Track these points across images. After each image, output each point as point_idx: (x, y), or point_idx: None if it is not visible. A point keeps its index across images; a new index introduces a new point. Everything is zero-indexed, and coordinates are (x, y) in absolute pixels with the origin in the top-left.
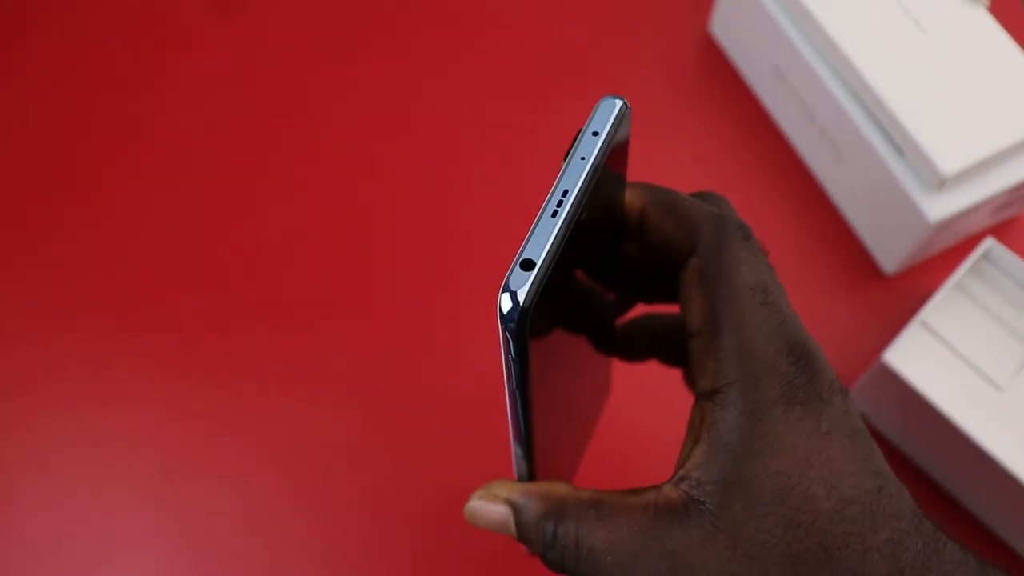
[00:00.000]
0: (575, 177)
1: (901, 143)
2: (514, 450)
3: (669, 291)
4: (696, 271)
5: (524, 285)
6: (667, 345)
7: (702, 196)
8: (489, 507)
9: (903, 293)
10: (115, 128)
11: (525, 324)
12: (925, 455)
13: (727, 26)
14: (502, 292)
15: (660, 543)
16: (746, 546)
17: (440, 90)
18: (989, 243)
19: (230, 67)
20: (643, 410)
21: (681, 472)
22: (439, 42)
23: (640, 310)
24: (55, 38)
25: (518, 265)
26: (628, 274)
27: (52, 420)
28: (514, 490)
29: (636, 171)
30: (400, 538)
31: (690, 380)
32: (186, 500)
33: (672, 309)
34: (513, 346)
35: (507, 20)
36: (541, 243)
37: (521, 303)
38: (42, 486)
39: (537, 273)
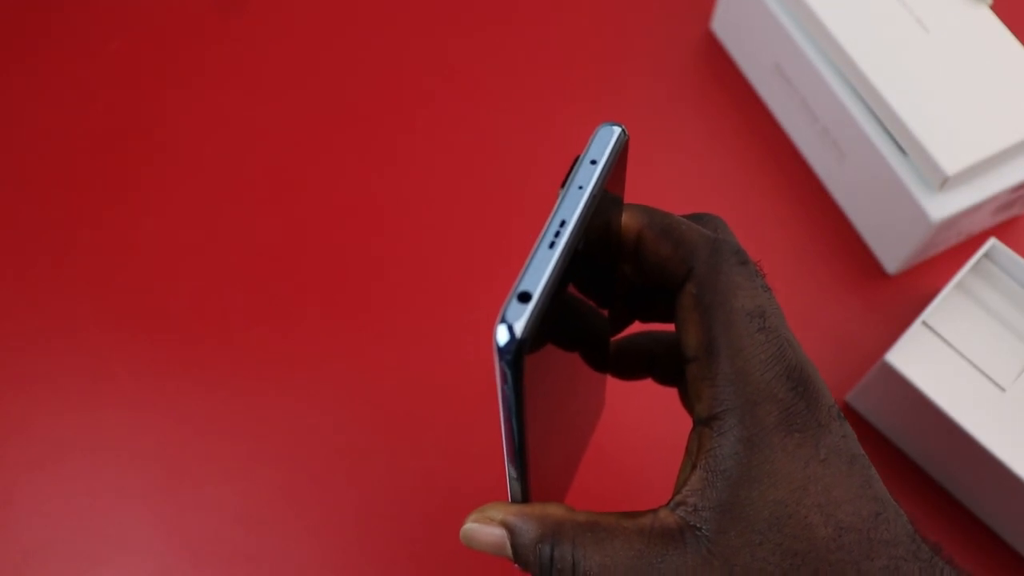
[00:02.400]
0: (572, 207)
1: (903, 142)
2: (508, 471)
3: (666, 311)
4: (692, 296)
5: (521, 318)
6: (662, 364)
7: (699, 218)
8: (485, 530)
9: (905, 293)
10: (115, 127)
11: (522, 357)
12: (927, 456)
13: (728, 24)
14: (498, 324)
15: (655, 568)
16: (741, 573)
17: (441, 89)
18: (992, 243)
19: (230, 66)
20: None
21: (678, 497)
22: (440, 41)
23: (636, 327)
24: (54, 37)
25: (515, 297)
26: (624, 293)
27: (52, 420)
28: (510, 512)
29: (636, 170)
30: (399, 539)
31: (687, 403)
32: (186, 500)
33: (668, 328)
34: (510, 378)
35: (507, 19)
36: (538, 275)
37: (518, 336)
38: (42, 486)
39: (534, 306)
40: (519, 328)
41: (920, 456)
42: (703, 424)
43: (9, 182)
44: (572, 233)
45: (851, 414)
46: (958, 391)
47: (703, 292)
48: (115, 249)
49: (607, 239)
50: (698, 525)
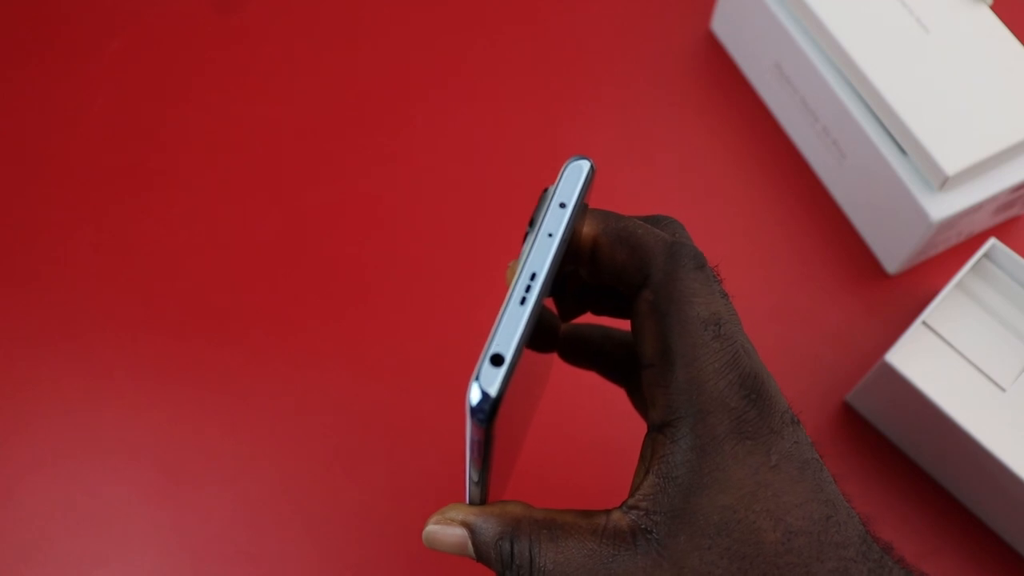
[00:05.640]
0: (543, 258)
1: (904, 142)
2: (469, 475)
3: (617, 307)
4: (648, 303)
5: (494, 382)
6: (610, 362)
7: (656, 221)
8: (447, 530)
9: (905, 293)
10: (115, 127)
11: (495, 415)
12: (927, 455)
13: (728, 24)
14: (472, 384)
15: (606, 568)
16: (690, 575)
17: (441, 92)
18: (992, 243)
19: (229, 66)
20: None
21: (631, 501)
22: (441, 43)
23: (588, 318)
24: (54, 37)
25: (488, 359)
26: (578, 288)
27: (52, 421)
28: (470, 512)
29: (636, 170)
30: (399, 539)
31: (638, 407)
32: (185, 501)
33: (619, 324)
34: (485, 432)
35: (507, 19)
36: (510, 335)
37: (492, 396)
38: (42, 486)
39: (508, 368)
40: (493, 391)
41: (920, 456)
42: (657, 430)
43: (9, 182)
44: (543, 286)
45: (851, 414)
46: (958, 391)
47: (659, 299)
48: (115, 249)
49: (568, 245)
50: (649, 529)
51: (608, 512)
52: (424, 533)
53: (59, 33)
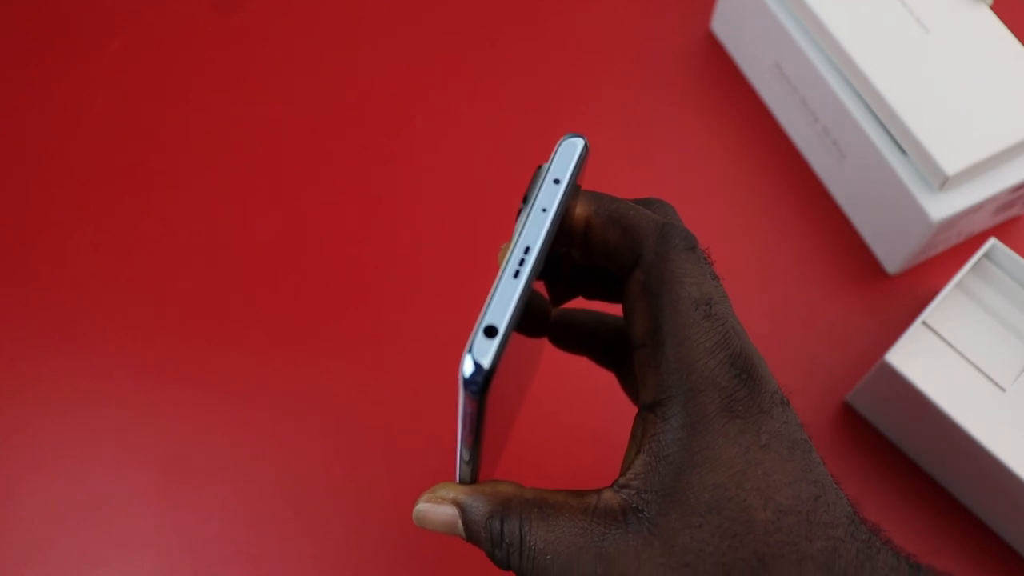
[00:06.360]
0: (536, 232)
1: (903, 142)
2: (460, 455)
3: (608, 290)
4: (640, 283)
5: (487, 353)
6: (602, 346)
7: (648, 203)
8: (437, 509)
9: (905, 293)
10: (115, 127)
11: (488, 387)
12: (927, 455)
13: (728, 24)
14: (465, 355)
15: (597, 546)
16: (680, 554)
17: (441, 92)
18: (992, 243)
19: (229, 66)
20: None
21: (622, 480)
22: (440, 44)
23: (579, 303)
24: (54, 37)
25: (481, 331)
26: (569, 271)
27: (52, 420)
28: (460, 491)
29: (636, 170)
30: (398, 538)
31: (631, 389)
32: (185, 501)
33: (611, 309)
34: (478, 404)
35: (507, 19)
36: (503, 307)
37: (485, 368)
38: (42, 486)
39: (500, 340)
40: (486, 363)
41: (920, 456)
42: (648, 410)
43: (9, 182)
44: (536, 260)
45: (851, 414)
46: (958, 391)
47: (650, 279)
48: (115, 249)
49: (561, 226)
50: (640, 507)
51: (599, 491)
52: (414, 512)
53: (59, 33)
